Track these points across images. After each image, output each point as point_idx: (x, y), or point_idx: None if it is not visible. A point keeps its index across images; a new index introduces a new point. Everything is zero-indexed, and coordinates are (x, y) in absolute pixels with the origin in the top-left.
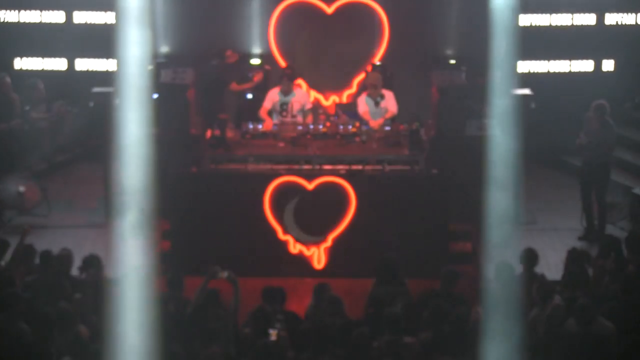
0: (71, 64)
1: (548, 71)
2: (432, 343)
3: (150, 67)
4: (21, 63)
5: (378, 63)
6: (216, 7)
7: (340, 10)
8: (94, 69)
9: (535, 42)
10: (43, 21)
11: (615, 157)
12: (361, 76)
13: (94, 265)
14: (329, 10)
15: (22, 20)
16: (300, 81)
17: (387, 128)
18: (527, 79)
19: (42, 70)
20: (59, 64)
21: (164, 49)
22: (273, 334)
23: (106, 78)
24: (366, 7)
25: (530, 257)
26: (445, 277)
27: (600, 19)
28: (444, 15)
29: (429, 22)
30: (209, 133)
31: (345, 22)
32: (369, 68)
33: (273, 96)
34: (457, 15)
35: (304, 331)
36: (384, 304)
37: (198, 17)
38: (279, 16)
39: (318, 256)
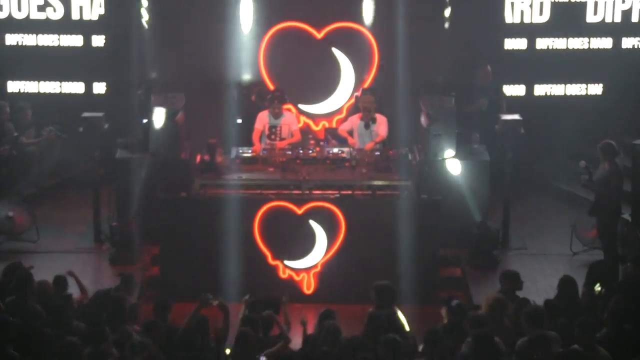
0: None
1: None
2: None
3: (140, 92)
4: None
5: (368, 88)
6: (206, 32)
7: (330, 35)
8: None
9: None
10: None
11: None
12: (351, 101)
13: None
14: (319, 35)
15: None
16: (290, 106)
17: (377, 153)
18: (516, 104)
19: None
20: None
21: (154, 74)
22: None
23: None
24: (356, 32)
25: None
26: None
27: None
28: (434, 41)
29: (418, 47)
30: (198, 158)
31: (335, 47)
32: (359, 93)
33: (263, 119)
34: (447, 41)
35: (290, 356)
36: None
37: (188, 42)
38: (269, 41)
39: (307, 281)
